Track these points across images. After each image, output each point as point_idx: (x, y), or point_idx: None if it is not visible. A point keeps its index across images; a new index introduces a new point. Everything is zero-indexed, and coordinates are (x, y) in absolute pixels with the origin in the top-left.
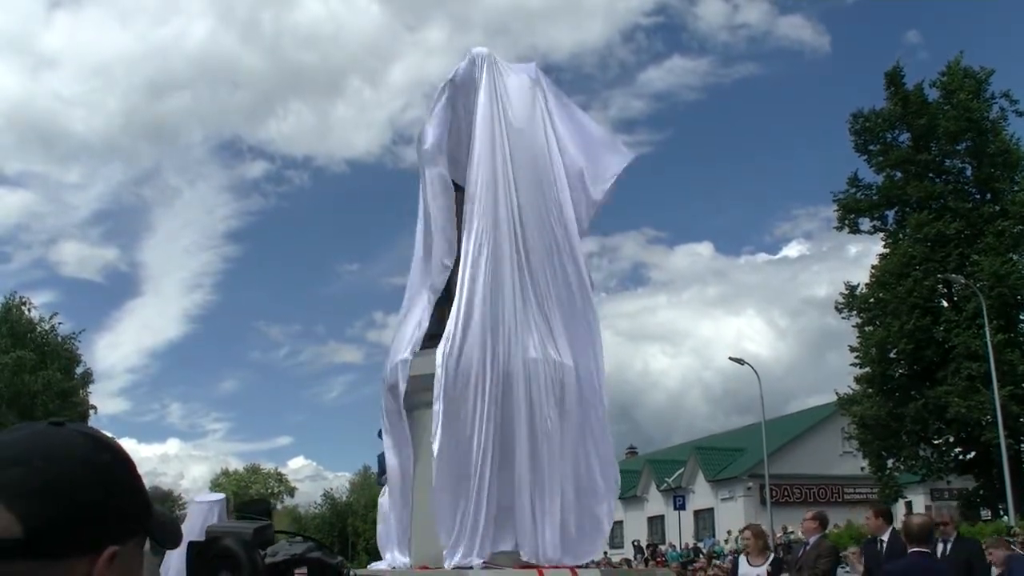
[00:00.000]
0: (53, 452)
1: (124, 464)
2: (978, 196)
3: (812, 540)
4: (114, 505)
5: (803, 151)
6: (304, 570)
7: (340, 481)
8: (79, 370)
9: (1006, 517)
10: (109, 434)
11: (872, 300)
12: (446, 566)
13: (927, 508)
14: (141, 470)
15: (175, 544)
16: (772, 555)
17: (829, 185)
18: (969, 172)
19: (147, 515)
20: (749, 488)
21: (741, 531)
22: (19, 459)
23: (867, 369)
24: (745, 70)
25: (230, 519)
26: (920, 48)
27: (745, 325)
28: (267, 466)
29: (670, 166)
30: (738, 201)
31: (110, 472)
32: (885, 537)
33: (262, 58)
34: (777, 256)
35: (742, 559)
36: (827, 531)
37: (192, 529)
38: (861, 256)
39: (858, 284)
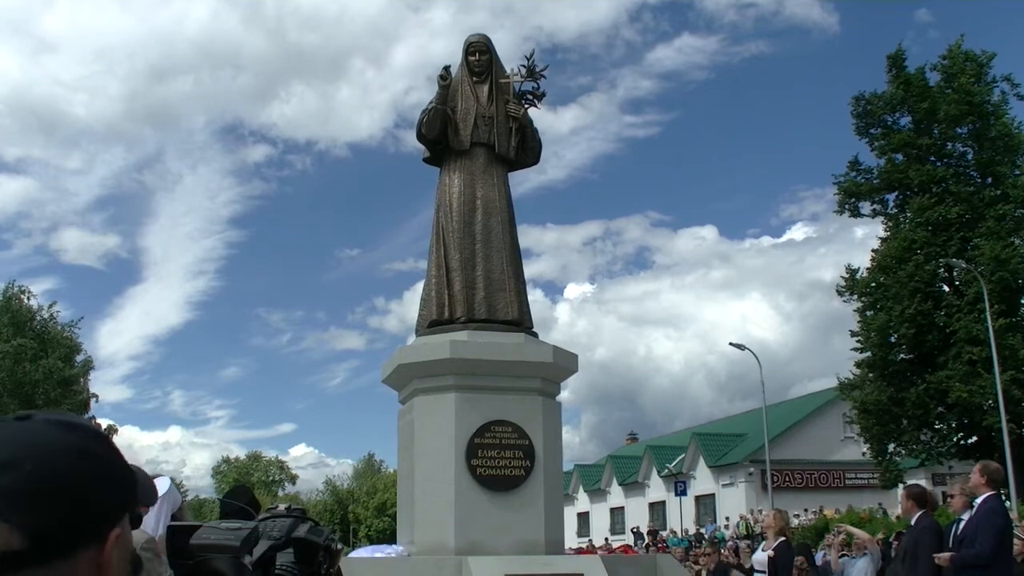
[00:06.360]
0: (38, 451)
1: (104, 445)
2: (979, 180)
3: (914, 519)
4: (107, 490)
5: (810, 132)
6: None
7: (342, 468)
8: (80, 358)
9: (1008, 502)
10: (93, 418)
11: (873, 284)
12: None
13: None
14: (143, 458)
15: (154, 500)
16: (782, 539)
17: (836, 167)
18: (970, 156)
19: (135, 488)
20: (750, 474)
21: (762, 512)
22: (5, 464)
23: (868, 354)
24: (755, 48)
25: (185, 510)
26: (930, 27)
27: (750, 309)
28: (269, 454)
29: (676, 148)
30: (743, 183)
31: (95, 458)
32: (913, 520)
33: (264, 40)
34: (782, 239)
35: (763, 543)
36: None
37: (146, 523)
38: (867, 239)
39: (859, 268)
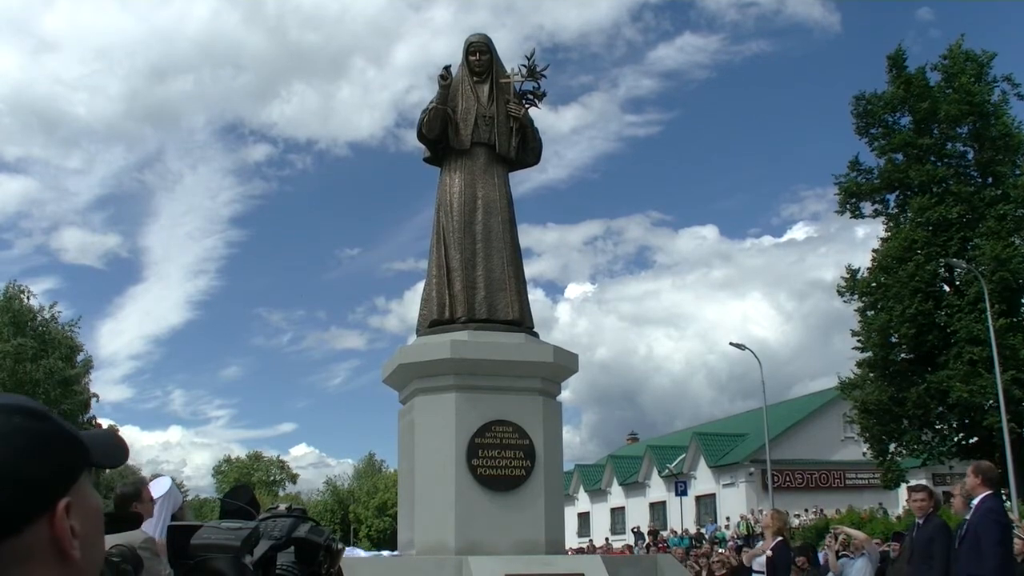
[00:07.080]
0: None
1: (39, 418)
2: (979, 180)
3: (924, 519)
4: (48, 464)
5: (810, 132)
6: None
7: (343, 468)
8: (80, 358)
9: (1008, 502)
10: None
11: (874, 284)
12: None
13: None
14: (144, 458)
15: (123, 460)
16: (780, 539)
17: (836, 167)
18: (971, 156)
19: (84, 453)
20: (751, 474)
21: (763, 512)
22: None
23: (869, 354)
24: (756, 48)
25: (185, 510)
26: (931, 26)
27: (751, 309)
28: (269, 453)
29: (677, 147)
30: (744, 183)
31: (29, 434)
32: (922, 520)
33: (265, 39)
34: (783, 239)
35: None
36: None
37: (147, 523)
38: (868, 238)
39: (860, 268)
